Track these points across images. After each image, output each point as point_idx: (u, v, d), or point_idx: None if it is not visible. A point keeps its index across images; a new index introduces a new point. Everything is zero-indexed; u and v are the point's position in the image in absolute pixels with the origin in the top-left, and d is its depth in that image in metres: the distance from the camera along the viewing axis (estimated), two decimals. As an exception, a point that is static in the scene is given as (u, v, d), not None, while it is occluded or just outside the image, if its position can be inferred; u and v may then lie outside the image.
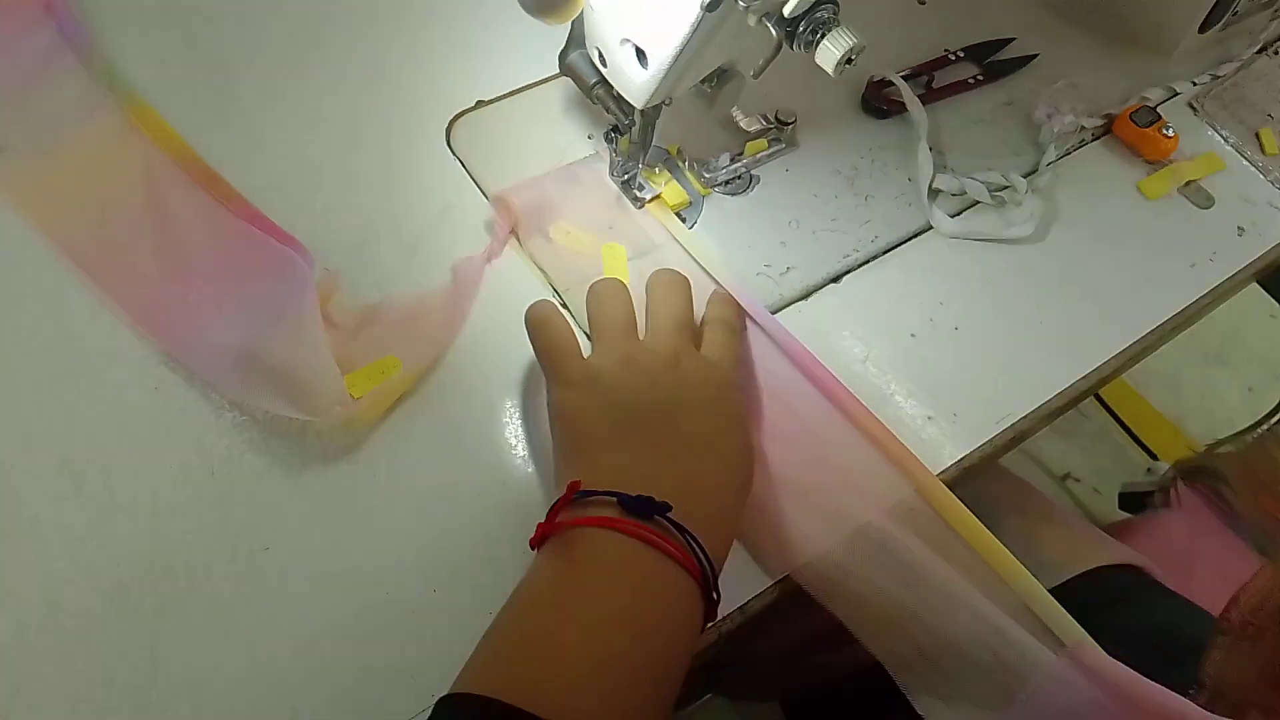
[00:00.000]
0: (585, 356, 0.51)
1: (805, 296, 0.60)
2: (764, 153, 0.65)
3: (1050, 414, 0.59)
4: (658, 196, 0.62)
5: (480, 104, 0.65)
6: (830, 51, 0.48)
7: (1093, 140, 0.71)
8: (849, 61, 0.48)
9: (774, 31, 0.47)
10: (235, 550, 0.49)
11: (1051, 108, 0.70)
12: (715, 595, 0.43)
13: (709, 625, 0.44)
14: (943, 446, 0.56)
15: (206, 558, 0.48)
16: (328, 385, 0.51)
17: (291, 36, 0.67)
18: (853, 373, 0.58)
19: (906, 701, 0.62)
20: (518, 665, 0.38)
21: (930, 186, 0.65)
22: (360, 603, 0.48)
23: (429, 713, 0.38)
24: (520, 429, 0.54)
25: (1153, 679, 0.46)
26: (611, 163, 0.62)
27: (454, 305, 0.57)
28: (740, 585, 0.50)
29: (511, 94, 0.65)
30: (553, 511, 0.43)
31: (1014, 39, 0.75)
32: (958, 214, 0.66)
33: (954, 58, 0.73)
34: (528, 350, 0.53)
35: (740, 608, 0.50)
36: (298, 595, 0.48)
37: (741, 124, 0.65)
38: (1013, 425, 0.58)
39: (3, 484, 0.49)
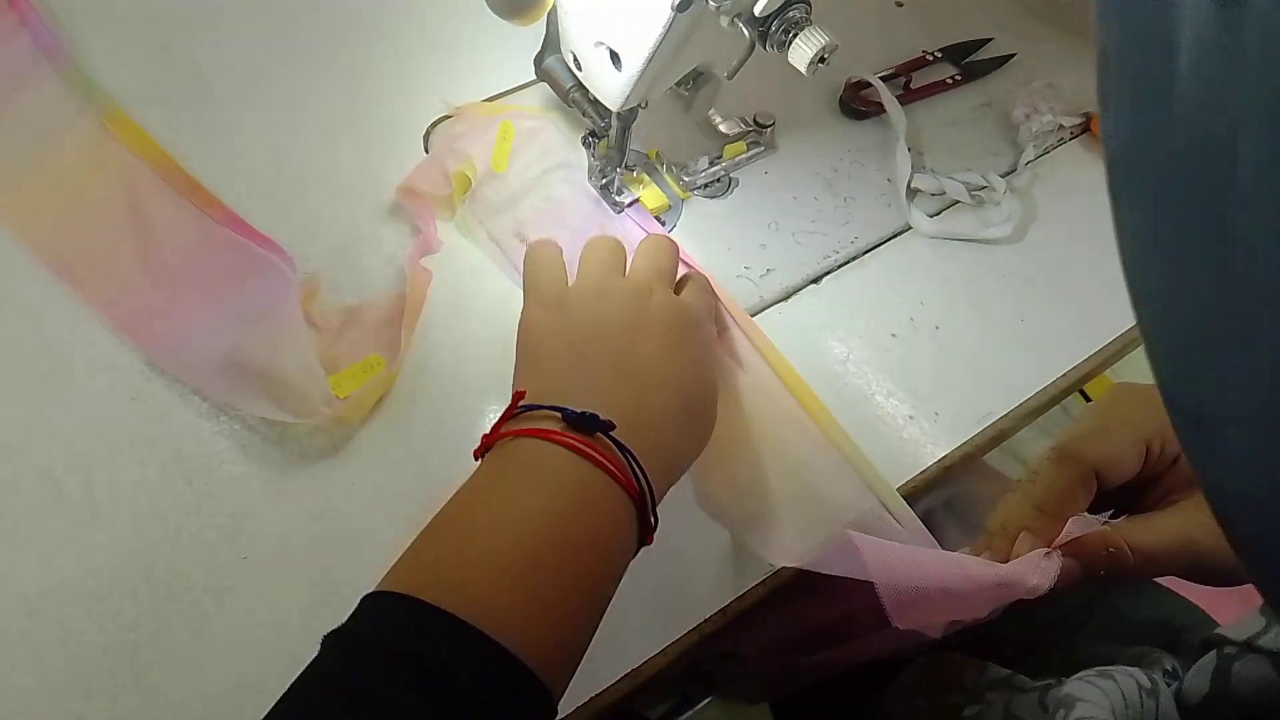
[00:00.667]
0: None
1: (786, 298, 0.61)
2: (743, 155, 0.65)
3: (1031, 412, 0.59)
4: (637, 200, 0.62)
5: (458, 111, 0.65)
6: (803, 50, 0.48)
7: (1071, 139, 0.72)
8: (822, 60, 0.48)
9: (746, 32, 0.47)
10: (215, 558, 0.48)
11: (1030, 107, 0.70)
12: (653, 519, 0.43)
13: (643, 546, 0.43)
14: (924, 446, 0.56)
15: (186, 566, 0.48)
16: (312, 386, 0.51)
17: (269, 45, 0.67)
18: (833, 373, 0.58)
19: (895, 705, 0.63)
20: (443, 565, 0.38)
21: (909, 187, 0.66)
22: (342, 608, 0.48)
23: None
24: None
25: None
26: (590, 167, 0.62)
27: (411, 302, 0.57)
28: (722, 587, 0.50)
29: (489, 100, 0.66)
30: (497, 422, 0.43)
31: (991, 39, 0.75)
32: (937, 214, 0.66)
33: (931, 58, 0.73)
34: (505, 348, 0.53)
35: (721, 610, 0.50)
36: (278, 602, 0.48)
37: (720, 127, 0.65)
38: (994, 424, 0.58)
39: (-20, 495, 0.49)
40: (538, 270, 0.51)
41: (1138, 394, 0.47)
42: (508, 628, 0.35)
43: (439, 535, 0.40)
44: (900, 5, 0.77)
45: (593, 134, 0.60)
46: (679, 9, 0.44)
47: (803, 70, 0.48)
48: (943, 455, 0.56)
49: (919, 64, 0.73)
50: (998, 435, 0.58)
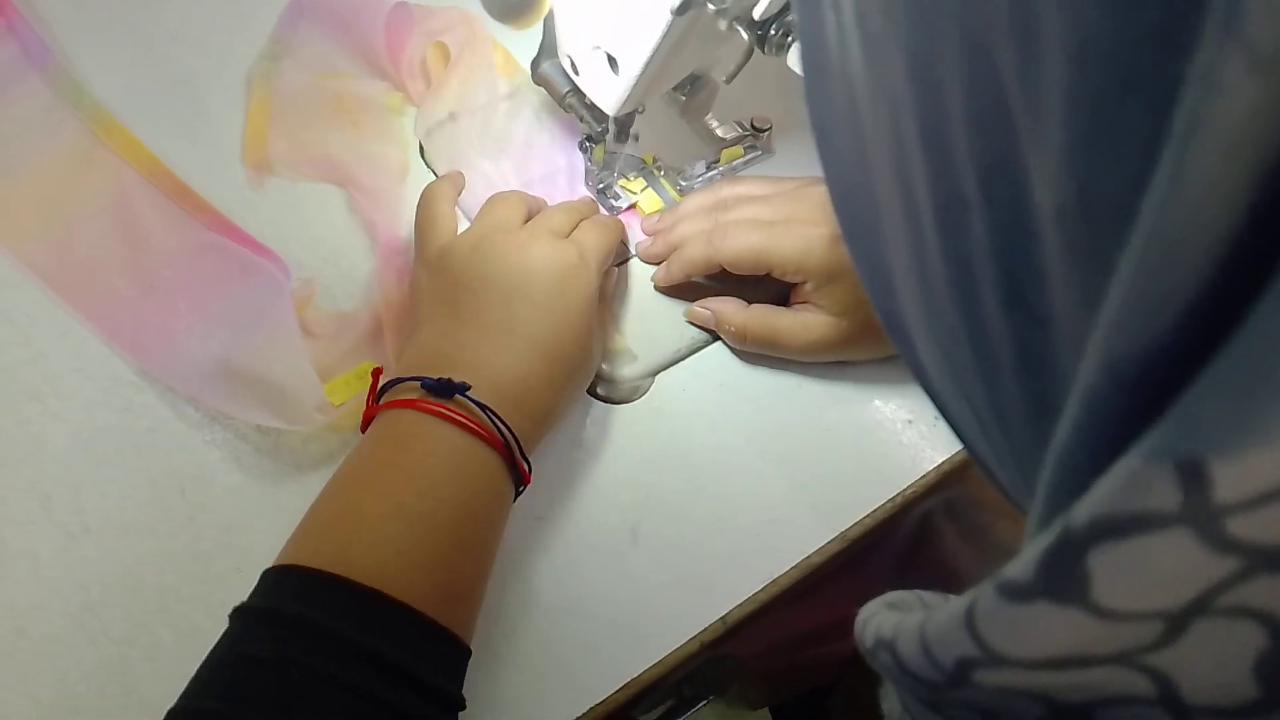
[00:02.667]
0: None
1: (783, 302, 0.60)
2: (740, 160, 0.65)
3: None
4: (634, 205, 0.62)
5: (453, 116, 0.64)
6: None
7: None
8: (821, 65, 0.48)
9: (745, 35, 0.47)
10: (208, 571, 0.48)
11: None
12: (525, 464, 0.45)
13: (521, 490, 0.47)
14: (923, 451, 0.56)
15: (177, 579, 0.47)
16: (307, 393, 0.51)
17: (257, 50, 0.66)
18: (828, 375, 0.57)
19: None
20: (324, 535, 0.41)
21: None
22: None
23: None
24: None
25: None
26: (587, 171, 0.62)
27: (388, 311, 0.56)
28: (721, 593, 0.50)
29: (485, 105, 0.65)
30: (368, 399, 0.46)
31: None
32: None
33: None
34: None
35: (721, 618, 0.49)
36: (272, 615, 0.47)
37: (717, 131, 0.65)
38: (994, 428, 0.57)
39: (-32, 508, 0.48)
40: (423, 225, 0.53)
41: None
42: (389, 578, 0.38)
43: (324, 509, 0.42)
44: None
45: (589, 138, 0.59)
46: (677, 12, 0.44)
47: (802, 74, 0.48)
48: (942, 460, 0.56)
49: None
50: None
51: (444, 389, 0.43)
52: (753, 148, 0.66)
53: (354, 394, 0.52)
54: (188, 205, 0.58)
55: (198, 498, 0.50)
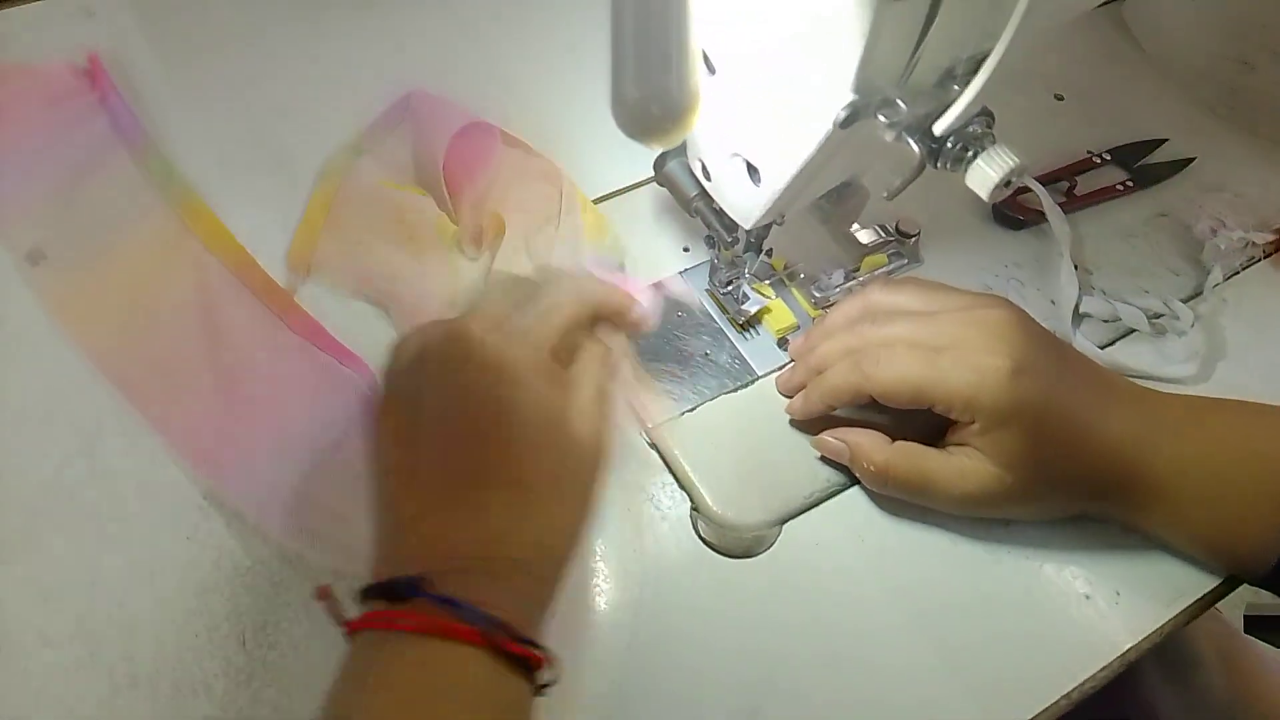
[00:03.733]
0: None
1: (933, 442, 0.52)
2: (883, 269, 0.57)
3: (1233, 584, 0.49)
4: (765, 310, 0.54)
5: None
6: (984, 173, 0.40)
7: (1263, 258, 0.62)
8: (1007, 184, 0.40)
9: (915, 149, 0.40)
10: (264, 740, 0.42)
11: (1216, 220, 0.61)
12: (530, 650, 0.35)
13: (545, 683, 0.36)
14: (1102, 633, 0.47)
15: (230, 749, 0.41)
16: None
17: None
18: (988, 533, 0.49)
19: None
20: None
21: (1076, 311, 0.57)
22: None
23: None
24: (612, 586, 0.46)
25: None
26: (713, 269, 0.55)
27: None
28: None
29: (598, 200, 0.59)
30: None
31: (1166, 140, 0.66)
32: (1108, 345, 0.57)
33: (1099, 160, 0.64)
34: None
35: None
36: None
37: (858, 236, 0.58)
38: (1189, 606, 0.48)
39: (8, 645, 0.43)
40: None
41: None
42: None
43: None
44: (1060, 99, 0.69)
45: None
46: (842, 125, 0.37)
47: (984, 196, 0.40)
48: (1128, 647, 0.47)
49: (1084, 166, 0.64)
50: (1194, 617, 0.48)
51: (391, 591, 0.35)
52: (898, 255, 0.58)
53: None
54: (274, 304, 0.53)
55: (259, 650, 0.44)
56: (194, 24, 0.65)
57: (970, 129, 0.40)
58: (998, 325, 0.45)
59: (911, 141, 0.40)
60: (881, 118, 0.37)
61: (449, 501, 0.37)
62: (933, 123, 0.39)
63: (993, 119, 0.40)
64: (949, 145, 0.40)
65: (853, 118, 0.37)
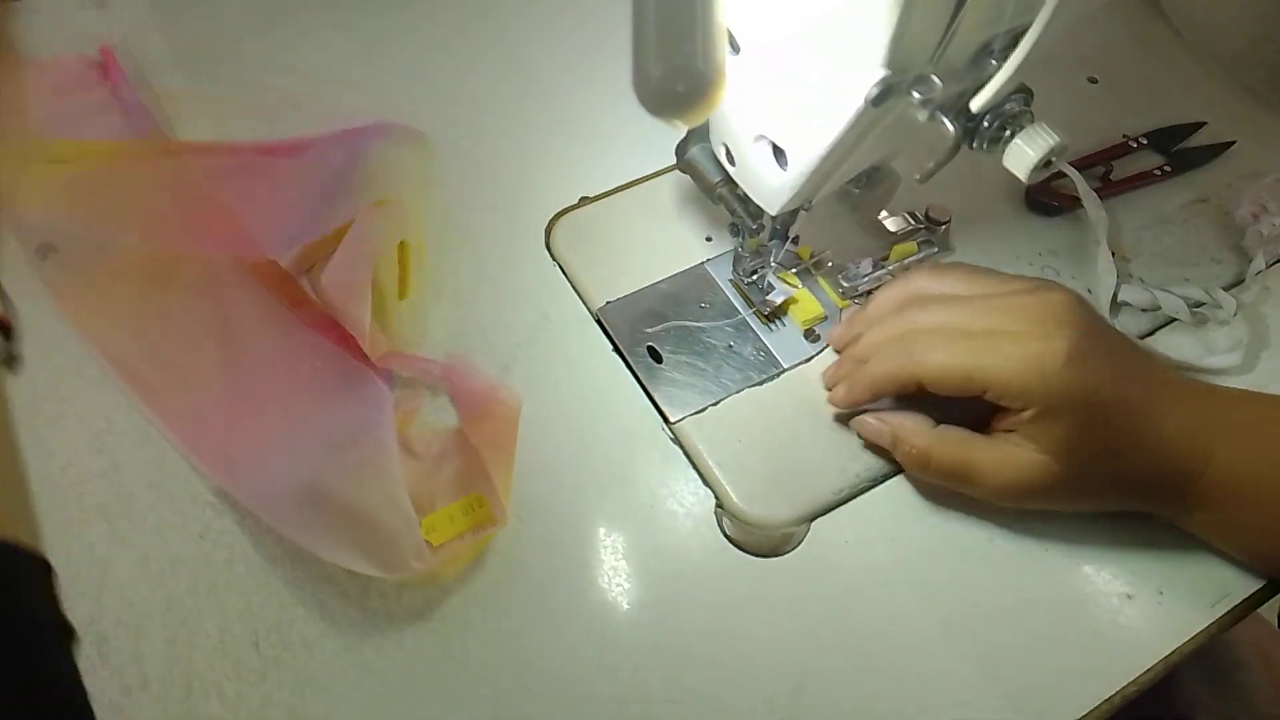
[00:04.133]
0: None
1: (966, 435, 0.50)
2: (913, 257, 0.55)
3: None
4: (791, 300, 0.53)
5: (584, 200, 0.57)
6: (1023, 153, 0.38)
7: (1308, 245, 0.60)
8: (1047, 164, 0.38)
9: (950, 128, 0.38)
10: (276, 744, 0.40)
11: (1257, 206, 0.59)
12: None
13: None
14: (1145, 636, 0.45)
15: (242, 754, 0.40)
16: (403, 534, 0.43)
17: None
18: (1026, 530, 0.47)
19: None
20: None
21: (1114, 299, 0.55)
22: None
23: None
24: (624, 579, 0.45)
25: None
26: (736, 258, 0.53)
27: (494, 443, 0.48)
28: None
29: (619, 189, 0.57)
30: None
31: (1204, 123, 0.64)
32: (1148, 334, 0.55)
33: (1135, 145, 0.62)
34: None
35: None
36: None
37: (887, 224, 0.56)
38: (1235, 608, 0.46)
39: (18, 648, 0.42)
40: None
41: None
42: None
43: None
44: (1094, 82, 0.66)
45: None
46: (874, 103, 0.35)
47: (1022, 178, 0.39)
48: (1170, 651, 0.45)
49: (1120, 151, 0.62)
50: (1239, 619, 0.46)
51: None
52: (928, 243, 0.56)
53: (456, 533, 0.45)
54: (286, 294, 0.52)
55: (272, 650, 0.42)
56: (207, 16, 0.64)
57: (1007, 107, 0.38)
58: (1053, 309, 0.43)
59: (946, 121, 0.38)
60: (915, 95, 0.35)
61: None
62: (968, 101, 0.37)
63: (1031, 96, 0.39)
64: (985, 124, 0.39)
65: (885, 95, 0.35)
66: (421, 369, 0.50)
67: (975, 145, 0.39)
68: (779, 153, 0.42)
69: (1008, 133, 0.38)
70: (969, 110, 0.38)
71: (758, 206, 0.47)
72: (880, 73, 0.35)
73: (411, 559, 0.43)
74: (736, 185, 0.48)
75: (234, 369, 0.50)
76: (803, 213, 0.47)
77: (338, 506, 0.44)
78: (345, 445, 0.46)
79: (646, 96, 0.32)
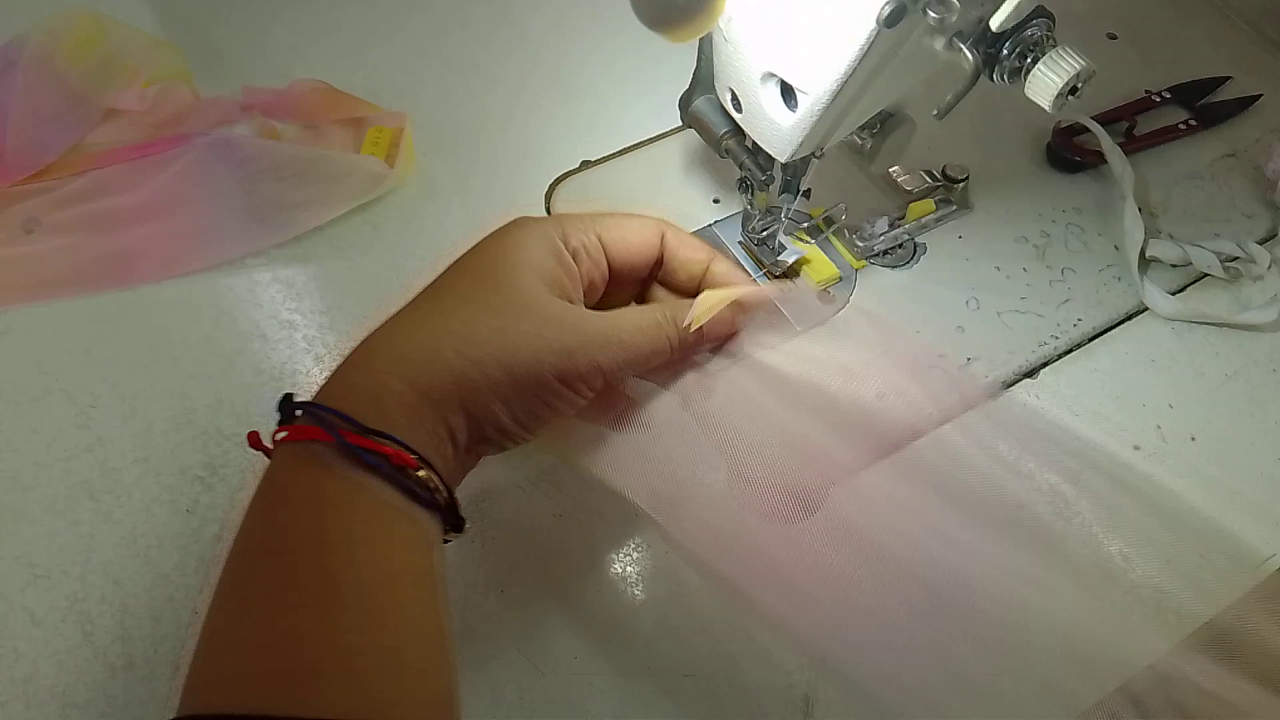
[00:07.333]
0: None
1: (992, 397, 0.48)
2: (930, 216, 0.53)
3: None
4: (804, 261, 0.50)
5: (585, 164, 0.55)
6: (1047, 80, 0.36)
7: (1341, 197, 0.57)
8: (1073, 92, 0.36)
9: (970, 56, 0.36)
10: None
11: (1289, 159, 0.56)
12: (378, 443, 0.31)
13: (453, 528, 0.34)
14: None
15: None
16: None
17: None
18: (1060, 502, 0.44)
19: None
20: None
21: (1143, 255, 0.52)
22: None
23: None
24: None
25: None
26: (745, 216, 0.51)
27: None
28: None
29: (621, 153, 0.55)
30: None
31: (1229, 78, 0.61)
32: (1179, 290, 0.52)
33: (1158, 99, 0.60)
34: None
35: None
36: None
37: (902, 182, 0.53)
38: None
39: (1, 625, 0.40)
40: None
41: None
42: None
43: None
44: (1113, 38, 0.64)
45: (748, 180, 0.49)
46: (886, 23, 0.33)
47: (1046, 107, 0.36)
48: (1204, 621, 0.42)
49: (1143, 106, 0.59)
50: (1283, 586, 0.44)
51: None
52: (945, 201, 0.54)
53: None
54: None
55: (264, 628, 0.40)
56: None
57: (1028, 33, 0.36)
58: None
59: (964, 48, 0.36)
60: (931, 14, 0.33)
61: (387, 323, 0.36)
62: (987, 26, 0.35)
63: (1053, 21, 0.36)
64: (1005, 52, 0.36)
65: (898, 13, 0.33)
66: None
67: (995, 77, 0.37)
68: (788, 92, 0.40)
69: (1029, 59, 0.36)
70: (988, 37, 0.35)
71: (767, 156, 0.44)
72: (893, -8, 0.33)
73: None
74: (744, 135, 0.45)
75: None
76: (814, 161, 0.45)
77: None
78: None
79: (643, 8, 0.30)
